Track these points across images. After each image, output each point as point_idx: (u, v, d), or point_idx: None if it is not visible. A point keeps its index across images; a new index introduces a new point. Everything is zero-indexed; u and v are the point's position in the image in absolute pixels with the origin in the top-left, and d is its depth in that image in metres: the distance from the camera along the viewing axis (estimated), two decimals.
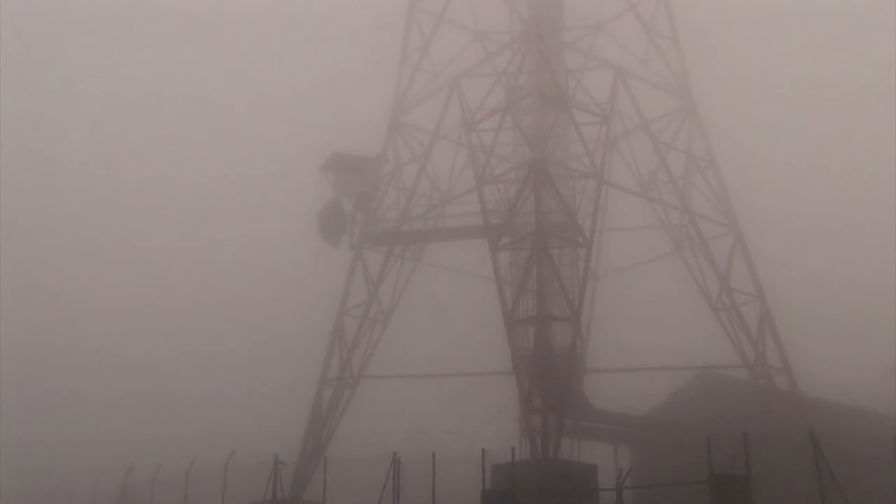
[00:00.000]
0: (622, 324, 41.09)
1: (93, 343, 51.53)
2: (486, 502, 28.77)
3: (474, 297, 38.30)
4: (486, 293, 36.48)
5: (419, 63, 41.82)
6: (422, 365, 38.66)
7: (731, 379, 37.32)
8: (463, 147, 38.52)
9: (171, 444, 41.60)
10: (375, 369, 39.33)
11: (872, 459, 27.62)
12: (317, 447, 37.84)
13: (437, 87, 40.35)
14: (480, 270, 37.02)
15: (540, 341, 33.48)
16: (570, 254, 36.99)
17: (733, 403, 34.63)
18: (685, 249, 39.75)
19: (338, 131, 43.20)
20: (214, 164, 54.79)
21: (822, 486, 24.81)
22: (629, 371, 37.66)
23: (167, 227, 54.13)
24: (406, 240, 40.09)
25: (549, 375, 32.94)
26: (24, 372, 51.41)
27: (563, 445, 33.22)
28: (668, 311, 40.69)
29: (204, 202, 53.94)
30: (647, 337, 40.54)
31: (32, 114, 66.45)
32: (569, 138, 38.66)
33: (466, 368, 37.58)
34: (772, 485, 26.57)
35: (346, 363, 39.14)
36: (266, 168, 48.89)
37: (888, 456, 26.62)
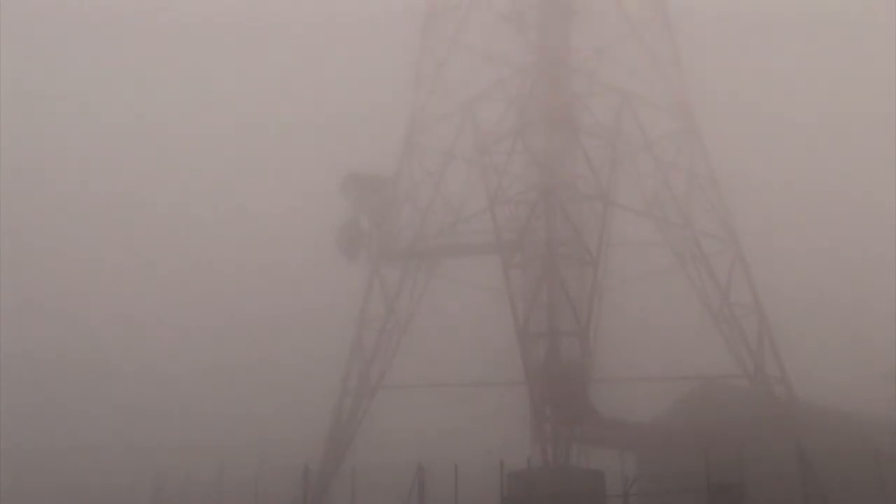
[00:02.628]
0: (627, 335, 42.66)
1: (112, 354, 52.71)
2: None
3: (486, 310, 39.94)
4: (497, 307, 38.37)
5: (433, 85, 43.56)
6: (436, 375, 40.38)
7: (732, 388, 39.02)
8: (476, 167, 40.30)
9: (189, 453, 42.91)
10: (393, 380, 41.19)
11: (863, 469, 29.09)
12: (337, 455, 39.71)
13: (450, 108, 42.11)
14: (492, 285, 38.85)
15: (551, 354, 35.38)
16: (578, 270, 38.77)
17: (734, 412, 36.32)
18: (687, 264, 41.53)
19: (355, 151, 44.97)
20: (230, 181, 56.37)
21: (807, 497, 26.47)
22: (634, 380, 39.36)
23: (188, 241, 55.60)
24: (421, 256, 41.88)
25: (559, 386, 34.87)
26: (47, 381, 52.53)
27: (571, 452, 35.16)
28: (671, 323, 42.27)
29: (219, 221, 55.45)
30: (652, 347, 42.13)
31: (47, 118, 67.24)
32: (576, 159, 40.38)
33: (479, 378, 39.33)
34: (768, 494, 28.16)
35: (364, 374, 41.02)
36: (287, 187, 50.62)
37: (880, 464, 28.26)
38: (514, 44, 41.92)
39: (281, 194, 50.61)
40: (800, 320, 44.66)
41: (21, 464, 46.28)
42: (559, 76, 39.76)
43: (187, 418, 45.96)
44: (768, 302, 41.25)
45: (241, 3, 60.79)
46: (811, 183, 52.66)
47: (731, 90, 48.38)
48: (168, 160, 64.40)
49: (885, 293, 50.91)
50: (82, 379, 50.45)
